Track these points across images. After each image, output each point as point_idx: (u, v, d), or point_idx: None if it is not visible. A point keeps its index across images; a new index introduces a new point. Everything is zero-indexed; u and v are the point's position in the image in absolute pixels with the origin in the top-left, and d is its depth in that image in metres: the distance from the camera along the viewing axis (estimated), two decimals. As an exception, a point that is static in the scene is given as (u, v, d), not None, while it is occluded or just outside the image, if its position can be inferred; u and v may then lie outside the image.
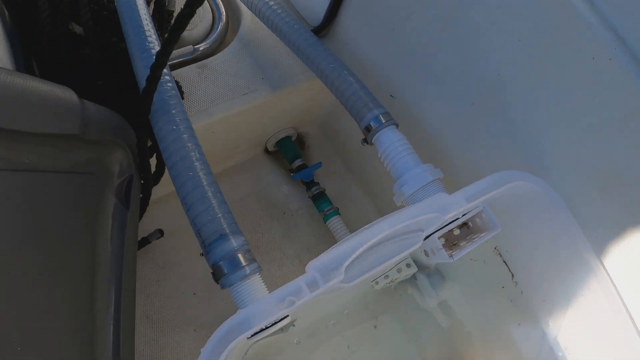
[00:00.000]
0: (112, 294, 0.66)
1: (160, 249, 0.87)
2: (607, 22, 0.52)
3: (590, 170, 0.60)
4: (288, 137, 1.00)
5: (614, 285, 0.63)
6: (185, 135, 0.60)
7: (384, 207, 0.96)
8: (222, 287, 0.55)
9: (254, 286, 0.53)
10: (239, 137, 0.89)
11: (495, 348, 0.78)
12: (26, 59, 0.82)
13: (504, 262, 0.73)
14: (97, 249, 0.65)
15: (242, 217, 0.94)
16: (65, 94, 0.55)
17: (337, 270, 0.49)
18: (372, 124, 0.68)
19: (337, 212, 0.93)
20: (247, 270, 0.53)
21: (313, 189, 0.95)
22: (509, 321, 0.76)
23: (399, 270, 0.76)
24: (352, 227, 0.92)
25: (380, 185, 0.94)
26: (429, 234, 0.60)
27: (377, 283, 0.76)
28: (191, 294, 0.86)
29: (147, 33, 0.68)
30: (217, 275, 0.54)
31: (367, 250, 0.54)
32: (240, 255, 0.54)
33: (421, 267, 0.81)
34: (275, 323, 0.52)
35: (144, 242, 0.83)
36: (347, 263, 0.49)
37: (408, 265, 0.77)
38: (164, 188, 0.77)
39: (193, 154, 0.59)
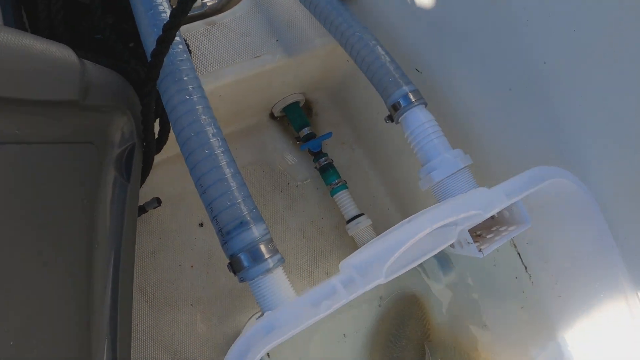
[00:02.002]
0: (110, 270, 0.61)
1: (156, 218, 0.81)
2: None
3: (629, 176, 0.55)
4: (296, 103, 0.92)
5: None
6: (199, 107, 0.53)
7: (394, 183, 0.91)
8: (241, 280, 0.49)
9: (277, 281, 0.48)
10: (246, 102, 0.82)
11: (499, 337, 0.76)
12: (14, 11, 0.72)
13: (518, 254, 0.70)
14: (95, 225, 0.59)
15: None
16: (63, 53, 0.48)
17: (378, 270, 0.44)
18: (400, 102, 0.62)
19: (345, 186, 0.88)
20: (270, 263, 0.48)
21: (321, 160, 0.89)
22: (515, 313, 0.74)
23: None
24: (359, 202, 0.86)
25: (392, 161, 0.88)
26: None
27: None
28: (189, 266, 0.80)
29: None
30: (236, 267, 0.49)
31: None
32: (262, 246, 0.48)
33: None
34: None
35: (141, 211, 0.76)
36: (389, 263, 0.44)
37: None
38: (161, 153, 0.70)
39: (209, 128, 0.52)
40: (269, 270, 0.48)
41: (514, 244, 0.70)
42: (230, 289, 0.80)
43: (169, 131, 0.67)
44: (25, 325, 0.47)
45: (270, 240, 0.50)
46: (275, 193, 0.89)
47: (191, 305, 0.79)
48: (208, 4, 0.77)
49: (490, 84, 0.63)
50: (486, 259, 0.73)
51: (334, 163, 0.90)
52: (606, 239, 0.59)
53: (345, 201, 0.86)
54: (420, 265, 0.79)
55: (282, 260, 0.50)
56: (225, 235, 0.49)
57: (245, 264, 0.48)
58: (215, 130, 0.52)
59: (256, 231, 0.49)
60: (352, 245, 0.87)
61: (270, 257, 0.48)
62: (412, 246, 0.50)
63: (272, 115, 0.96)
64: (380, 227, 0.85)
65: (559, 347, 0.71)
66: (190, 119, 0.52)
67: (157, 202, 0.77)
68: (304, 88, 0.92)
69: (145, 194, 0.79)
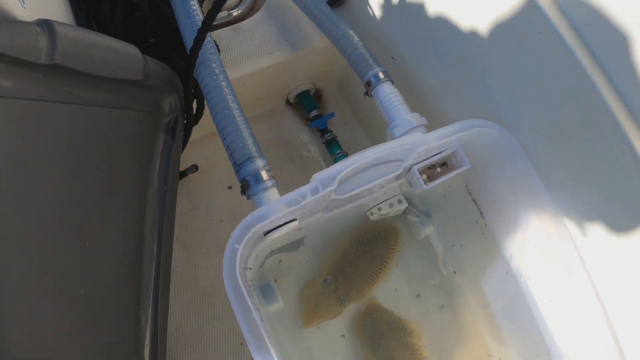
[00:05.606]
0: (158, 215, 0.90)
1: (194, 182, 1.16)
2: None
3: (544, 124, 0.83)
4: (307, 91, 1.27)
5: (564, 221, 0.86)
6: (223, 83, 0.85)
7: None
8: (248, 197, 0.81)
9: (272, 195, 0.80)
10: (265, 90, 1.17)
11: (469, 278, 1.03)
12: (87, 22, 1.10)
13: (474, 200, 1.00)
14: (149, 172, 0.92)
15: (266, 157, 1.22)
16: (132, 50, 0.81)
17: (333, 181, 0.76)
18: (372, 79, 0.93)
19: (345, 155, 1.20)
20: (269, 183, 0.80)
21: (326, 135, 1.22)
22: (480, 253, 1.01)
23: (390, 205, 0.98)
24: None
25: (383, 134, 1.20)
26: (409, 165, 0.86)
27: (371, 214, 0.98)
28: (219, 221, 1.15)
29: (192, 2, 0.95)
30: (245, 187, 0.80)
31: (357, 173, 0.81)
32: (263, 172, 0.81)
33: (411, 205, 1.06)
34: (286, 224, 0.79)
35: (181, 175, 1.10)
36: (340, 176, 0.75)
37: (399, 201, 0.98)
38: (200, 131, 1.05)
39: (229, 97, 0.84)
40: (267, 188, 0.80)
41: (469, 192, 1.00)
42: (253, 239, 1.14)
43: (203, 107, 1.02)
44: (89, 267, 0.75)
45: (269, 170, 0.83)
46: (290, 164, 1.22)
47: (220, 251, 1.12)
48: (233, 14, 1.13)
49: (441, 63, 0.95)
50: (453, 209, 1.03)
51: (338, 139, 1.23)
52: (532, 176, 0.86)
53: (345, 168, 1.18)
54: (404, 221, 1.08)
55: (276, 184, 0.82)
56: (238, 166, 0.82)
57: (251, 184, 0.81)
58: (233, 98, 0.85)
59: (259, 162, 0.81)
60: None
61: (269, 179, 0.81)
62: (364, 174, 0.82)
63: (287, 102, 1.31)
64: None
65: (515, 280, 0.99)
66: (217, 90, 0.85)
67: (195, 167, 1.12)
68: (313, 79, 1.25)
69: (186, 164, 1.14)
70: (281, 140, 1.26)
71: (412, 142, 0.80)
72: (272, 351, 0.69)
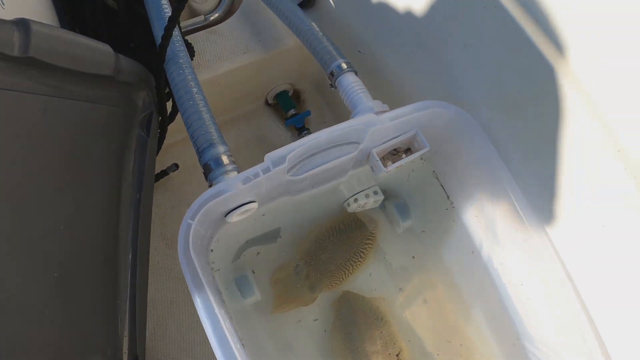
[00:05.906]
0: (133, 209, 0.94)
1: (176, 181, 1.21)
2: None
3: (496, 98, 0.86)
4: (285, 91, 1.32)
5: (527, 200, 0.87)
6: (189, 77, 0.91)
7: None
8: (210, 182, 0.85)
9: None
10: (241, 90, 1.22)
11: (443, 267, 1.04)
12: (70, 28, 1.17)
13: (441, 185, 1.02)
14: (123, 166, 0.96)
15: (246, 157, 1.25)
16: (104, 47, 0.87)
17: (283, 159, 0.79)
18: (335, 70, 0.98)
19: (322, 153, 1.24)
20: (229, 167, 0.83)
21: (303, 133, 1.27)
22: (452, 240, 1.03)
23: (367, 196, 1.00)
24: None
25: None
26: (368, 147, 0.89)
27: (348, 205, 1.00)
28: (201, 218, 1.19)
29: (163, 3, 1.01)
30: (207, 171, 0.84)
31: (313, 154, 0.85)
32: (224, 157, 0.85)
33: (389, 196, 1.09)
34: (243, 205, 0.82)
35: (163, 174, 1.15)
36: (290, 154, 0.79)
37: (375, 192, 1.00)
38: (183, 131, 1.09)
39: (194, 89, 0.89)
40: (227, 172, 0.84)
41: (437, 177, 1.02)
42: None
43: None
44: (67, 247, 0.77)
45: (230, 155, 0.87)
46: (269, 162, 1.27)
47: (203, 248, 1.16)
48: (210, 18, 1.20)
49: (400, 51, 0.99)
50: (423, 199, 1.05)
51: (315, 137, 1.27)
52: (492, 154, 0.88)
53: (321, 164, 1.22)
54: (384, 213, 1.10)
55: (237, 168, 0.86)
56: (201, 152, 0.87)
57: (212, 167, 0.85)
58: (197, 89, 0.90)
59: (220, 148, 0.85)
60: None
61: (229, 164, 0.85)
62: (321, 155, 0.85)
63: (267, 103, 1.35)
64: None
65: (486, 267, 0.99)
66: (182, 83, 0.90)
67: (176, 166, 1.17)
68: (290, 79, 1.30)
69: (169, 164, 1.19)
70: (260, 140, 1.31)
71: (364, 122, 0.84)
72: (222, 323, 0.71)
